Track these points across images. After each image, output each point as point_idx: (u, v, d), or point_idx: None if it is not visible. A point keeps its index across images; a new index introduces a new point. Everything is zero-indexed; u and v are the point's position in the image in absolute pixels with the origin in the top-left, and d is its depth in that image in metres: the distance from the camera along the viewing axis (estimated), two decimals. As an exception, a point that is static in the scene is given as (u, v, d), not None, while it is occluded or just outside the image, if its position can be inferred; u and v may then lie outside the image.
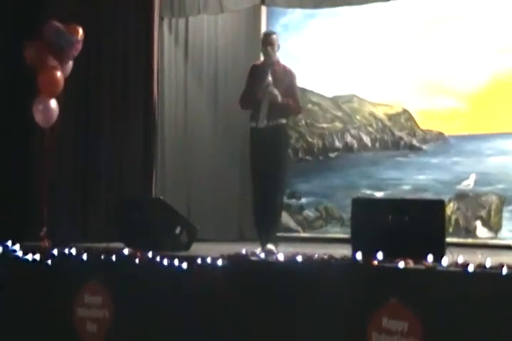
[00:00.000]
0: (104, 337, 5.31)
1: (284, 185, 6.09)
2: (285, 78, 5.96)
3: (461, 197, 6.90)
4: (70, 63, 6.76)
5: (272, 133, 5.89)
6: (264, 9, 8.01)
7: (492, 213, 6.73)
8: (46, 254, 5.72)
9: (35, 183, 7.07)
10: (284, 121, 5.95)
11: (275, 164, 5.88)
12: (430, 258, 4.13)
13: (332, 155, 7.80)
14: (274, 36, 6.07)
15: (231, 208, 7.67)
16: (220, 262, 4.80)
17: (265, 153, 5.85)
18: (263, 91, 5.85)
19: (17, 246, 5.92)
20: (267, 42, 6.00)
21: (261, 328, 4.52)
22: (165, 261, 5.03)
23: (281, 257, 4.68)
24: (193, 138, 8.02)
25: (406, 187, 7.23)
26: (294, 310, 4.42)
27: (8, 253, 5.91)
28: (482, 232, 6.77)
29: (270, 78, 5.90)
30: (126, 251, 5.35)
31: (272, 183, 5.86)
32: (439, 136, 7.22)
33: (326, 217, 7.68)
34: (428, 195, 6.93)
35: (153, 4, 7.86)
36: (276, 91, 5.84)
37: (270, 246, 5.57)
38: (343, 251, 4.70)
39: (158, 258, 5.09)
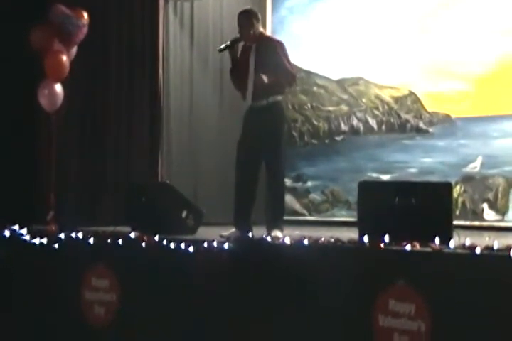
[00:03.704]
0: (112, 320, 5.34)
1: (283, 167, 5.79)
2: (271, 51, 5.61)
3: (468, 179, 6.88)
4: (75, 47, 6.75)
5: (267, 112, 5.60)
6: (269, -8, 7.98)
7: (499, 195, 6.72)
8: (53, 238, 5.74)
9: (42, 167, 7.08)
10: (279, 98, 5.67)
11: (272, 146, 5.60)
12: (437, 240, 4.13)
13: (338, 138, 7.78)
14: (242, 17, 5.74)
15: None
16: (226, 246, 4.81)
17: (261, 134, 5.57)
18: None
19: (24, 230, 5.94)
20: (238, 25, 5.74)
21: (268, 311, 4.53)
22: (171, 245, 5.04)
23: (287, 240, 4.68)
24: (199, 122, 8.02)
25: (412, 170, 7.21)
26: (301, 293, 4.43)
27: (16, 237, 5.93)
28: (489, 215, 6.76)
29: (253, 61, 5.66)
30: (132, 235, 5.37)
31: (272, 168, 5.65)
32: (446, 119, 7.19)
33: (332, 201, 7.67)
34: (435, 178, 6.92)
35: (158, -13, 7.85)
36: (261, 75, 5.50)
37: (276, 233, 5.39)
38: (349, 234, 4.71)
39: (164, 242, 5.10)
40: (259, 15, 5.86)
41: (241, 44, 5.89)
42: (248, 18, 5.74)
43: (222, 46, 5.88)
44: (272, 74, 5.55)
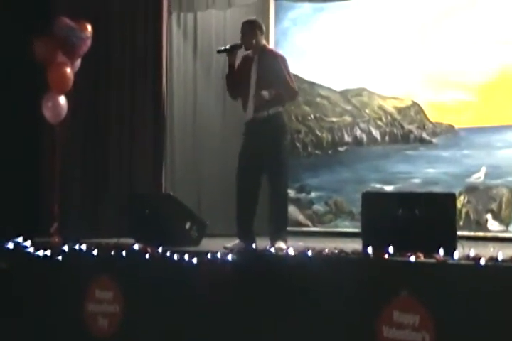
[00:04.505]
0: (115, 332, 5.33)
1: (287, 179, 5.78)
2: (273, 64, 5.63)
3: (472, 190, 6.87)
4: (79, 60, 6.77)
5: (268, 123, 5.60)
6: (272, 3, 7.98)
7: (503, 206, 6.70)
8: (57, 250, 5.74)
9: (46, 179, 7.09)
10: (280, 109, 5.66)
11: (274, 156, 5.59)
12: (441, 251, 4.12)
13: (341, 149, 7.77)
14: (246, 25, 5.77)
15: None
16: (230, 257, 4.80)
17: (262, 145, 5.57)
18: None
19: (28, 242, 5.94)
20: (241, 33, 5.77)
21: (272, 322, 4.52)
22: (175, 256, 5.04)
23: (291, 252, 4.68)
24: (202, 133, 8.03)
25: (416, 181, 7.20)
26: (305, 304, 4.42)
27: (19, 249, 5.93)
28: (493, 225, 6.74)
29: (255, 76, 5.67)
30: (136, 247, 5.37)
31: (274, 179, 5.63)
32: (449, 129, 7.18)
33: (335, 211, 7.66)
34: (438, 189, 6.90)
35: (161, -1, 7.88)
36: (261, 93, 5.53)
37: (280, 244, 5.36)
38: (353, 245, 4.70)
39: (168, 254, 5.10)
40: (264, 28, 5.88)
41: (243, 53, 5.90)
42: (251, 28, 5.77)
43: (222, 48, 5.95)
44: (273, 87, 5.58)
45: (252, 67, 5.72)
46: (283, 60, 5.72)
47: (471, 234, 6.58)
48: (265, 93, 5.55)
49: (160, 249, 5.17)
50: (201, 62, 8.12)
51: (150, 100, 7.87)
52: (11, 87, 7.23)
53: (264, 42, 5.87)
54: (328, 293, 4.31)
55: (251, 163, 5.67)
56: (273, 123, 5.64)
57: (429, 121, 7.30)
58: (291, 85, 5.67)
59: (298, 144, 7.89)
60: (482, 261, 3.86)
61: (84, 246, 5.61)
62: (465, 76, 6.97)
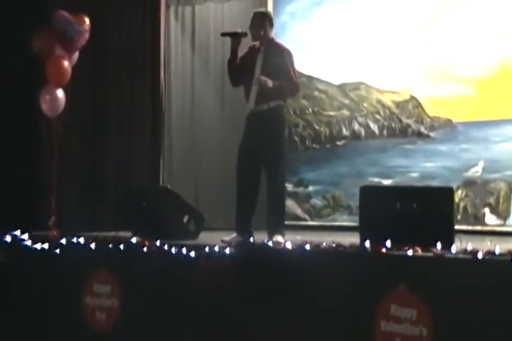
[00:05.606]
0: (113, 326, 5.34)
1: (284, 173, 5.79)
2: (278, 57, 5.67)
3: (470, 184, 6.87)
4: (77, 53, 6.77)
5: (268, 116, 5.61)
6: (270, -3, 7.98)
7: (501, 200, 6.71)
8: (55, 243, 5.74)
9: (44, 173, 7.08)
10: (280, 102, 5.68)
11: (272, 150, 5.61)
12: (439, 245, 4.12)
13: (339, 143, 7.77)
14: (256, 16, 5.79)
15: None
16: (227, 251, 4.80)
17: (261, 138, 5.58)
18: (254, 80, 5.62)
19: (26, 236, 5.94)
20: (251, 22, 5.79)
21: (269, 315, 4.52)
22: (173, 250, 5.04)
23: (289, 245, 4.68)
24: (200, 126, 8.02)
25: (414, 175, 7.21)
26: (302, 298, 4.43)
27: (17, 242, 5.93)
28: (490, 219, 6.75)
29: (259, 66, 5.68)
30: (134, 240, 5.37)
31: (272, 173, 5.64)
32: (447, 123, 7.18)
33: (333, 205, 7.66)
34: (436, 183, 6.91)
35: (159, -8, 7.86)
36: (266, 79, 5.54)
37: (277, 238, 5.38)
38: (351, 239, 4.71)
39: (166, 247, 5.10)
40: (273, 21, 5.88)
41: (250, 44, 5.89)
42: (261, 19, 5.80)
43: (227, 32, 5.98)
44: (277, 80, 5.58)
45: (258, 58, 5.73)
46: (288, 54, 5.74)
47: (469, 228, 6.59)
48: (269, 81, 5.55)
49: (158, 243, 5.17)
50: (199, 56, 8.12)
51: (148, 93, 7.86)
52: (9, 80, 7.21)
53: (272, 35, 5.87)
54: (326, 286, 4.31)
55: (250, 156, 5.68)
56: (273, 116, 5.65)
57: (427, 115, 7.30)
58: (293, 80, 5.68)
59: (296, 138, 7.89)
60: (480, 255, 3.87)
61: (82, 240, 5.62)
62: (463, 70, 6.96)
